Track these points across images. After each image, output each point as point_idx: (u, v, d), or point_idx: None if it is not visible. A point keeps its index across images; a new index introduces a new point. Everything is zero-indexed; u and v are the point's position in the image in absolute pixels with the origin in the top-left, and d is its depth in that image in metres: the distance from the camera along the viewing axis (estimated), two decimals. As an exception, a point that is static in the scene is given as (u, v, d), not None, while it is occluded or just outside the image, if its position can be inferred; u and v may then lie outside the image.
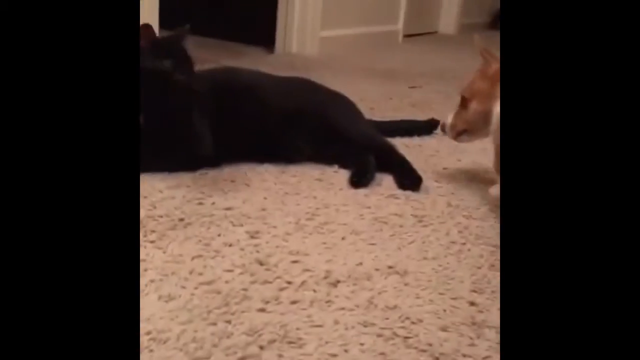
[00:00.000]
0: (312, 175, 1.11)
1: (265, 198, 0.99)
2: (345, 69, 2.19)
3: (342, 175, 1.12)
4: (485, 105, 1.04)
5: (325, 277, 0.76)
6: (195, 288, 0.71)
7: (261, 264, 0.78)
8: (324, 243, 0.86)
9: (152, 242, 0.81)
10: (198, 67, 1.06)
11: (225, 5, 2.67)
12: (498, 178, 1.01)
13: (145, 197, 0.94)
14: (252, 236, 0.85)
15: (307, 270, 0.78)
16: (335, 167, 1.15)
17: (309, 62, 2.25)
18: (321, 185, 1.07)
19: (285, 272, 0.77)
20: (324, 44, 2.47)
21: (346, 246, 0.85)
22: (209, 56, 2.22)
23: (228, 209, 0.93)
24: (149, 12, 1.72)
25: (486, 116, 1.04)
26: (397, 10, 2.98)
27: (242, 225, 0.88)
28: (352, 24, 2.68)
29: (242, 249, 0.81)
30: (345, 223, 0.92)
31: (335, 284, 0.75)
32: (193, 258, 0.78)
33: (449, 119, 1.10)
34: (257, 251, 0.81)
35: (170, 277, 0.73)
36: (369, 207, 0.99)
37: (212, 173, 1.07)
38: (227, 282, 0.73)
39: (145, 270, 0.74)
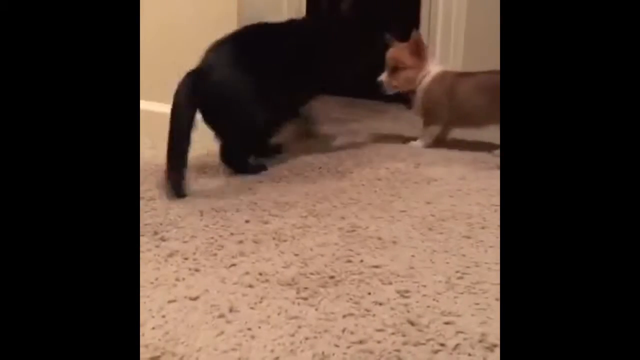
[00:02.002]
0: (459, 232, 1.09)
1: (413, 256, 0.98)
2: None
3: (490, 232, 1.09)
4: (412, 73, 1.77)
5: (481, 341, 0.73)
6: (348, 347, 0.72)
7: (412, 324, 0.77)
8: (477, 304, 0.83)
9: (305, 299, 0.83)
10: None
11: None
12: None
13: (296, 254, 0.97)
14: (402, 295, 0.85)
15: (461, 332, 0.75)
16: (483, 222, 1.12)
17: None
18: (469, 242, 1.04)
19: (437, 333, 0.75)
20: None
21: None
22: (350, 116, 2.29)
23: (376, 266, 0.94)
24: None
25: (409, 80, 1.78)
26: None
27: (391, 283, 0.88)
28: (496, 66, 2.63)
29: (392, 309, 0.81)
30: (497, 283, 0.89)
31: (492, 348, 0.72)
32: (344, 316, 0.79)
33: (383, 78, 1.79)
34: (408, 311, 0.81)
35: (324, 335, 0.74)
36: (523, 266, 0.94)
37: (359, 231, 1.08)
38: (379, 342, 0.73)
39: (300, 327, 0.76)
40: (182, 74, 1.51)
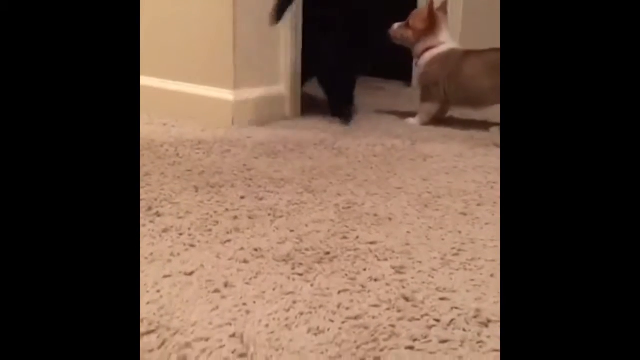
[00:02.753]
0: (456, 209, 1.09)
1: (408, 232, 0.98)
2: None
3: (487, 209, 1.09)
4: (415, 37, 1.79)
5: (475, 316, 0.73)
6: (343, 322, 0.72)
7: (408, 300, 0.77)
8: (472, 280, 0.83)
9: (300, 275, 0.83)
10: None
11: (368, 45, 2.78)
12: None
13: (292, 230, 0.97)
14: (398, 271, 0.85)
15: (456, 308, 0.75)
16: (480, 200, 1.12)
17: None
18: (466, 219, 1.04)
19: (432, 309, 0.75)
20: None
21: (496, 284, 0.82)
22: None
23: (372, 243, 0.93)
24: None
25: (416, 39, 1.79)
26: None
27: (386, 259, 0.88)
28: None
29: (387, 284, 0.81)
30: (493, 259, 0.89)
31: (486, 323, 0.72)
32: (340, 292, 0.79)
33: (394, 26, 1.84)
34: (403, 287, 0.80)
35: (319, 310, 0.74)
36: (519, 243, 0.94)
37: (355, 207, 1.08)
38: (374, 317, 0.73)
39: (295, 302, 0.76)
40: (181, 51, 1.48)
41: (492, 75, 1.65)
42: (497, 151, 1.50)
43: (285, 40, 1.76)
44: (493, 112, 1.78)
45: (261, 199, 1.11)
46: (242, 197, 1.12)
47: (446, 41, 1.78)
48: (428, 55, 1.77)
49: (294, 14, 1.75)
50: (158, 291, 0.77)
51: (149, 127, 1.58)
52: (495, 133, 1.69)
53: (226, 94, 1.68)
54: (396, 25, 1.84)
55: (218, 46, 1.67)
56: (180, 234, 0.95)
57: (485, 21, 2.53)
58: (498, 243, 0.94)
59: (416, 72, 1.83)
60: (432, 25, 1.76)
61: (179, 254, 0.88)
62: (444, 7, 1.81)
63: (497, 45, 1.71)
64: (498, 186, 1.22)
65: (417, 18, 1.79)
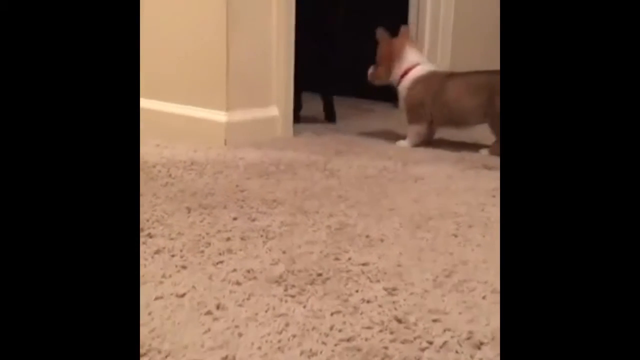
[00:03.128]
0: (447, 230, 1.09)
1: (400, 254, 0.98)
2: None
3: (478, 230, 1.09)
4: (388, 68, 1.84)
5: (468, 338, 0.73)
6: (336, 345, 0.72)
7: (400, 322, 0.77)
8: (464, 302, 0.83)
9: (292, 296, 0.83)
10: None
11: (356, 66, 2.80)
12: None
13: (284, 252, 0.97)
14: (390, 293, 0.85)
15: (448, 330, 0.75)
16: (471, 221, 1.13)
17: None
18: (457, 241, 1.05)
19: (425, 331, 0.75)
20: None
21: (488, 306, 0.82)
22: (339, 114, 2.29)
23: (364, 264, 0.94)
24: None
25: (388, 73, 1.84)
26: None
27: (379, 281, 0.88)
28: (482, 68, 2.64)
29: (380, 306, 0.81)
30: (485, 281, 0.89)
31: (479, 345, 0.72)
32: (332, 314, 0.79)
33: (369, 71, 1.89)
34: (396, 308, 0.81)
35: (312, 332, 0.74)
36: (510, 265, 0.95)
37: (347, 228, 1.08)
38: (367, 339, 0.73)
39: (287, 324, 0.75)
40: (174, 73, 1.49)
41: (475, 96, 1.69)
42: (487, 173, 1.51)
43: (277, 62, 1.78)
44: (482, 134, 1.80)
45: (253, 220, 1.11)
46: (235, 218, 1.12)
47: (420, 61, 1.83)
48: (408, 78, 1.80)
49: (288, 36, 1.77)
50: (149, 313, 0.77)
51: (141, 148, 1.58)
52: (484, 155, 1.70)
53: (219, 115, 1.68)
54: (370, 70, 1.89)
55: (211, 68, 1.68)
56: (172, 255, 0.95)
57: (474, 44, 2.56)
58: (489, 265, 0.95)
59: (400, 97, 1.85)
60: (395, 52, 1.82)
61: (170, 276, 0.88)
62: (405, 34, 1.86)
63: (486, 67, 1.73)
64: (488, 208, 1.23)
65: (379, 54, 1.85)
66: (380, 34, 1.83)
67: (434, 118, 1.78)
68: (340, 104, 2.55)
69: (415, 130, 1.80)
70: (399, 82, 1.82)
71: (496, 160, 1.62)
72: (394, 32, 1.86)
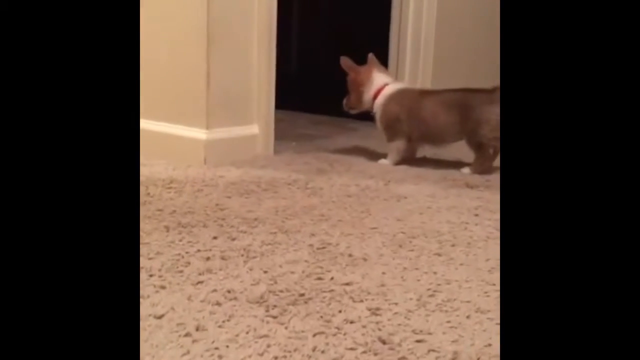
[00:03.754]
0: (430, 249, 1.08)
1: (384, 273, 0.97)
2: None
3: (461, 249, 1.09)
4: (359, 94, 1.85)
5: (453, 359, 0.72)
6: (319, 367, 0.70)
7: (384, 342, 0.75)
8: (448, 322, 0.82)
9: (274, 317, 0.81)
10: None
11: (337, 85, 2.82)
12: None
13: (265, 271, 0.95)
14: (373, 313, 0.83)
15: (433, 350, 0.74)
16: (454, 240, 1.12)
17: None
18: (440, 260, 1.04)
19: (410, 352, 0.74)
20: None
21: (472, 325, 0.81)
22: (320, 132, 2.29)
23: (347, 284, 0.92)
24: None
25: (360, 99, 1.86)
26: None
27: (362, 301, 0.87)
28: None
29: (363, 327, 0.79)
30: (468, 300, 0.88)
31: (465, 366, 0.71)
32: (315, 335, 0.77)
33: (344, 100, 1.91)
34: (379, 329, 0.79)
35: (294, 354, 0.72)
36: (494, 284, 0.94)
37: (329, 248, 1.07)
38: (350, 361, 0.71)
39: (269, 346, 0.73)
40: (154, 90, 1.47)
41: (450, 114, 1.70)
42: (470, 191, 1.51)
43: (258, 80, 1.77)
44: (464, 153, 1.80)
45: (234, 239, 1.09)
46: (215, 238, 1.10)
47: (389, 81, 1.86)
48: (381, 97, 1.82)
49: (269, 54, 1.77)
50: (126, 335, 0.74)
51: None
52: (467, 173, 1.71)
53: (198, 133, 1.67)
54: (344, 100, 1.92)
55: (191, 85, 1.67)
56: (151, 275, 0.92)
57: (456, 63, 2.59)
58: (473, 284, 0.94)
59: (376, 118, 1.85)
60: (363, 78, 1.85)
61: (148, 296, 0.85)
62: (372, 60, 1.88)
63: (468, 85, 1.75)
64: (471, 226, 1.22)
65: (349, 83, 1.88)
66: (345, 62, 1.85)
67: (411, 135, 1.78)
68: (324, 123, 2.55)
69: (395, 147, 1.80)
70: (372, 102, 1.84)
71: (478, 179, 1.62)
72: (379, 53, 1.88)
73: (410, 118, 1.76)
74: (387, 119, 1.80)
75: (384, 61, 2.47)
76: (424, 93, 1.83)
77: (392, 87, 1.82)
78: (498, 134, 1.61)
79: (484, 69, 2.77)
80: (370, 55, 1.89)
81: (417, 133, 1.77)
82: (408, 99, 1.79)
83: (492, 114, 1.61)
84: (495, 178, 1.64)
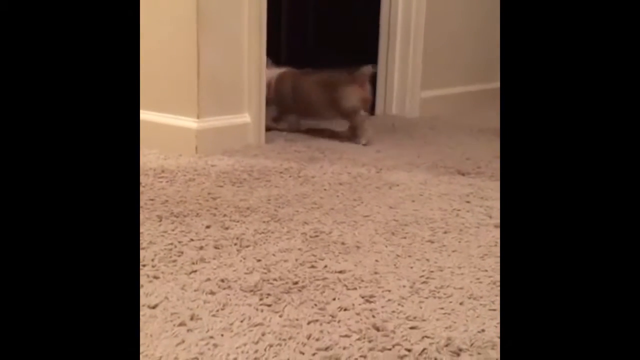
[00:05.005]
0: (422, 237, 1.09)
1: (377, 261, 0.97)
2: (449, 129, 2.17)
3: (453, 236, 1.09)
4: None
5: (447, 345, 0.73)
6: (314, 354, 0.70)
7: (378, 329, 0.76)
8: (442, 308, 0.82)
9: (268, 305, 0.81)
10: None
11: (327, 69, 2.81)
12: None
13: (259, 260, 0.95)
14: (367, 300, 0.84)
15: (427, 337, 0.75)
16: (446, 227, 1.13)
17: (410, 123, 2.26)
18: (433, 247, 1.04)
19: (403, 338, 0.74)
20: (424, 104, 2.46)
21: (465, 312, 0.82)
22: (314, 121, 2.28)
23: (340, 272, 0.92)
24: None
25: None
26: (498, 68, 2.95)
27: (355, 288, 0.87)
28: (453, 83, 2.67)
29: (357, 314, 0.80)
30: (461, 287, 0.89)
31: (458, 352, 0.71)
32: (309, 322, 0.77)
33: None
34: (373, 316, 0.79)
35: (289, 342, 0.72)
36: (486, 270, 0.95)
37: (322, 236, 1.07)
38: (345, 348, 0.72)
39: (263, 334, 0.74)
40: (144, 79, 1.46)
41: (321, 93, 1.91)
42: (461, 179, 1.51)
43: (249, 69, 1.76)
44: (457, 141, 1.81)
45: (227, 228, 1.09)
46: (208, 227, 1.10)
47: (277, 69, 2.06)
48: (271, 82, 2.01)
49: (259, 43, 1.76)
50: (121, 325, 0.74)
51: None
52: (364, 144, 1.86)
53: (190, 122, 1.66)
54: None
55: (182, 74, 1.66)
56: (144, 265, 0.92)
57: (445, 58, 2.59)
58: (465, 270, 0.94)
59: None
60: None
61: (142, 286, 0.85)
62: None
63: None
64: (463, 213, 1.23)
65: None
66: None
67: (295, 109, 2.01)
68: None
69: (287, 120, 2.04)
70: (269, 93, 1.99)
71: (470, 166, 1.63)
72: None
73: (293, 94, 1.99)
74: (276, 97, 2.02)
75: (373, 56, 2.48)
76: (302, 74, 2.02)
77: (275, 72, 2.00)
78: (356, 105, 1.87)
79: (473, 61, 2.78)
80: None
81: (298, 108, 2.01)
82: (289, 79, 1.98)
83: (350, 92, 1.87)
84: (486, 165, 1.64)
